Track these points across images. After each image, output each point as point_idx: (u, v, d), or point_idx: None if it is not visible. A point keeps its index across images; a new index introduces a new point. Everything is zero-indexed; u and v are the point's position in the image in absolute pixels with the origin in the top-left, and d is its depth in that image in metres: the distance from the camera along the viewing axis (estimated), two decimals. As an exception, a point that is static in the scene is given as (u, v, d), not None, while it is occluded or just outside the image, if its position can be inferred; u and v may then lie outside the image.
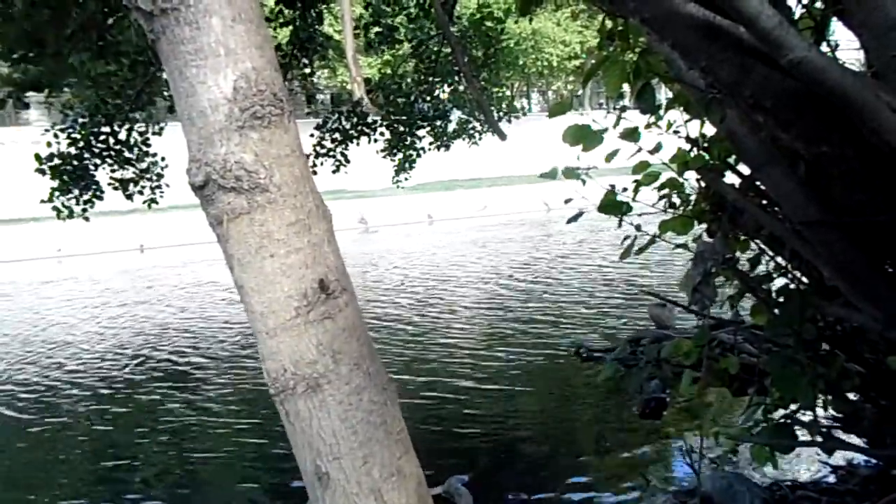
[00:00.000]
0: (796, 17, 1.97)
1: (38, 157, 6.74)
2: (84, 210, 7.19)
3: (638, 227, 2.55)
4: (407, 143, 9.06)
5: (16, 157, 21.42)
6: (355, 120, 8.57)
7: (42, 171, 6.81)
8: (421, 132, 9.11)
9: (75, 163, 6.90)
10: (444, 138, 9.24)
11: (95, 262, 17.07)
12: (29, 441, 5.65)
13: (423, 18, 8.39)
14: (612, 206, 2.51)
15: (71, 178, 6.93)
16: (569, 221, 2.59)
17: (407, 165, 9.26)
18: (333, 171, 8.54)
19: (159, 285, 13.36)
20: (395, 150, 9.13)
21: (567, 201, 2.64)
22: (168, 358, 7.91)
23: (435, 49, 8.60)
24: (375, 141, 8.86)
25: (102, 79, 5.93)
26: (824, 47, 1.92)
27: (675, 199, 2.69)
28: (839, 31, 2.04)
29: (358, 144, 8.71)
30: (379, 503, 1.40)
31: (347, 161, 8.69)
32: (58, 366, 7.85)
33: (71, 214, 7.16)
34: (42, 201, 7.05)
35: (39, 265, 17.32)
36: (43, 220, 17.01)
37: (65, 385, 7.06)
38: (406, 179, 9.51)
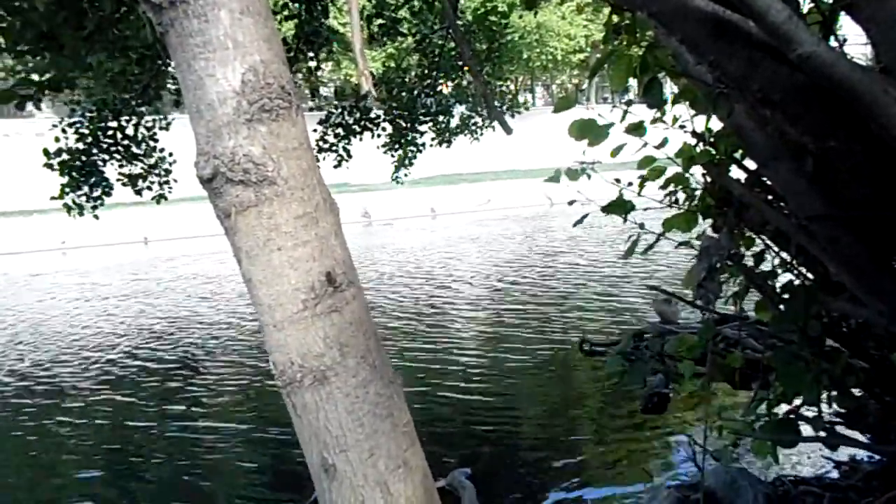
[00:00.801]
0: (804, 11, 1.96)
1: (46, 152, 6.74)
2: (94, 207, 7.20)
3: (641, 226, 2.55)
4: (408, 138, 9.04)
5: (20, 149, 21.46)
6: (358, 115, 8.55)
7: (50, 167, 6.82)
8: (423, 127, 9.08)
9: (83, 158, 6.91)
10: (447, 134, 9.21)
11: (99, 255, 17.13)
12: (18, 440, 5.64)
13: (426, 12, 8.36)
14: (617, 205, 2.51)
15: (80, 174, 6.94)
16: (575, 224, 2.58)
17: (406, 162, 9.25)
18: (336, 166, 8.54)
19: (161, 278, 13.40)
20: (396, 146, 9.11)
21: (571, 203, 2.64)
22: (164, 351, 7.94)
23: (439, 43, 8.58)
24: (378, 136, 8.84)
25: (118, 77, 5.92)
26: (832, 42, 1.91)
27: (680, 195, 2.68)
28: (847, 26, 2.03)
29: (361, 139, 8.69)
30: (385, 495, 1.40)
31: (350, 156, 8.69)
32: (49, 361, 7.88)
33: (81, 212, 7.17)
34: (52, 198, 7.06)
35: (43, 257, 17.39)
36: (48, 212, 17.08)
37: (57, 380, 7.08)
38: (406, 176, 9.50)
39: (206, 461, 4.93)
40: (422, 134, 9.13)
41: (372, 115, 8.67)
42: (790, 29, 1.35)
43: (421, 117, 8.96)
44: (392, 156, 9.29)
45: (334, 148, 8.65)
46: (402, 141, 9.06)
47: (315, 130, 8.52)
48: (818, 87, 1.48)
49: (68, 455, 5.26)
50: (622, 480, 4.16)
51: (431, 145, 9.30)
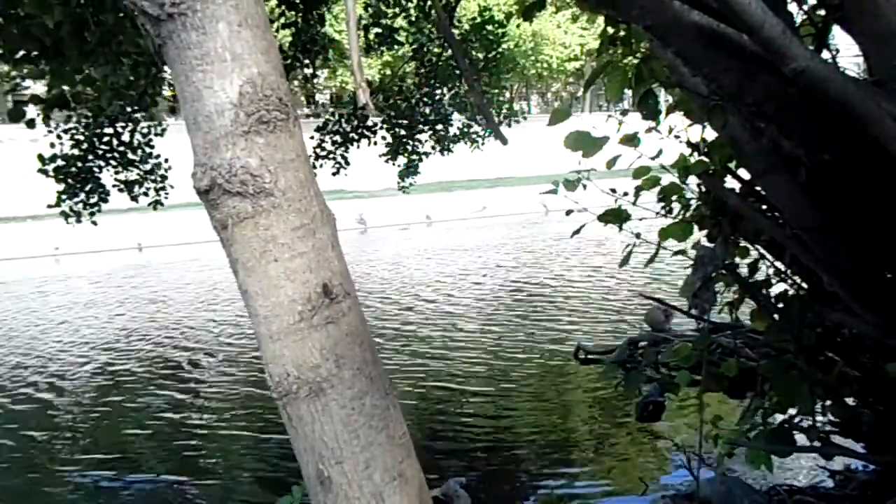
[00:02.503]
0: (798, 23, 1.98)
1: (41, 157, 6.71)
2: (92, 214, 7.19)
3: (638, 236, 2.56)
4: (409, 147, 9.06)
5: (14, 156, 21.40)
6: (356, 122, 8.57)
7: (45, 173, 6.79)
8: (422, 136, 9.11)
9: (79, 164, 6.89)
10: (446, 142, 9.24)
11: (93, 261, 17.04)
12: (14, 445, 5.61)
13: (423, 21, 8.39)
14: (613, 214, 2.52)
15: (76, 181, 6.92)
16: (573, 234, 2.60)
17: (411, 169, 9.28)
18: (333, 174, 8.54)
19: (153, 285, 13.34)
20: (396, 154, 9.13)
21: (568, 213, 2.65)
22: (158, 358, 7.90)
23: (436, 51, 8.61)
24: (375, 144, 8.87)
25: (122, 90, 5.94)
26: (825, 53, 1.93)
27: (675, 205, 2.69)
28: (839, 36, 2.05)
29: (358, 147, 8.71)
30: (381, 507, 1.40)
31: (347, 163, 8.70)
32: (43, 366, 7.83)
33: (79, 219, 7.15)
34: (49, 206, 7.03)
35: (37, 263, 17.29)
36: (41, 218, 17.02)
37: (50, 387, 7.02)
38: (411, 185, 9.53)
39: (198, 470, 4.90)
40: (422, 143, 9.15)
41: (369, 122, 8.69)
42: (784, 43, 1.37)
43: (419, 125, 8.98)
44: (393, 164, 9.31)
45: (332, 156, 8.66)
46: (402, 149, 9.08)
47: (312, 138, 8.52)
48: (812, 101, 1.50)
49: (52, 459, 5.21)
50: (618, 490, 4.15)
51: (430, 154, 9.32)
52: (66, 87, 4.74)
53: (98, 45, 4.39)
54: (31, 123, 4.78)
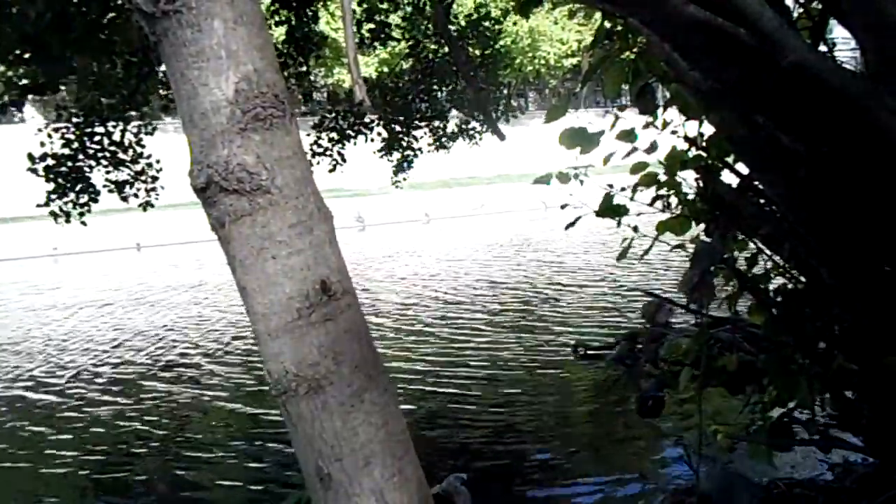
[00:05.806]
0: (794, 16, 1.97)
1: (30, 156, 6.69)
2: (81, 214, 7.14)
3: (635, 229, 2.56)
4: (404, 143, 9.07)
5: (11, 156, 21.34)
6: (352, 119, 8.57)
7: (34, 171, 6.75)
8: (419, 132, 9.11)
9: (69, 164, 6.85)
10: (444, 139, 9.23)
11: (91, 261, 17.03)
12: (13, 445, 5.59)
13: (417, 16, 8.38)
14: (610, 209, 2.52)
15: (66, 180, 6.88)
16: (567, 227, 2.59)
17: (405, 165, 9.28)
18: (330, 171, 8.54)
19: (154, 284, 13.33)
20: (392, 150, 9.14)
21: (563, 207, 2.65)
22: (156, 357, 7.89)
23: (433, 48, 8.60)
24: (372, 140, 8.86)
25: (104, 80, 5.90)
26: (822, 47, 1.93)
27: (673, 200, 2.69)
28: (836, 30, 2.05)
29: (355, 144, 8.71)
30: (381, 504, 1.40)
31: (344, 160, 8.69)
32: (39, 366, 7.82)
33: (68, 219, 7.11)
34: (38, 205, 7.00)
35: (35, 264, 17.28)
36: (39, 219, 16.96)
37: (47, 387, 7.02)
38: (404, 179, 9.52)
39: (197, 469, 4.90)
40: (417, 139, 9.16)
41: (366, 119, 8.69)
42: (781, 36, 1.37)
43: (416, 122, 8.98)
44: (389, 160, 9.31)
45: (328, 152, 8.66)
46: (397, 146, 9.08)
47: (309, 135, 8.52)
48: (809, 94, 1.50)
49: (46, 460, 5.18)
50: (618, 485, 4.16)
51: (429, 151, 9.33)
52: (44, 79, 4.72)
53: (82, 35, 4.37)
54: (3, 110, 4.77)
